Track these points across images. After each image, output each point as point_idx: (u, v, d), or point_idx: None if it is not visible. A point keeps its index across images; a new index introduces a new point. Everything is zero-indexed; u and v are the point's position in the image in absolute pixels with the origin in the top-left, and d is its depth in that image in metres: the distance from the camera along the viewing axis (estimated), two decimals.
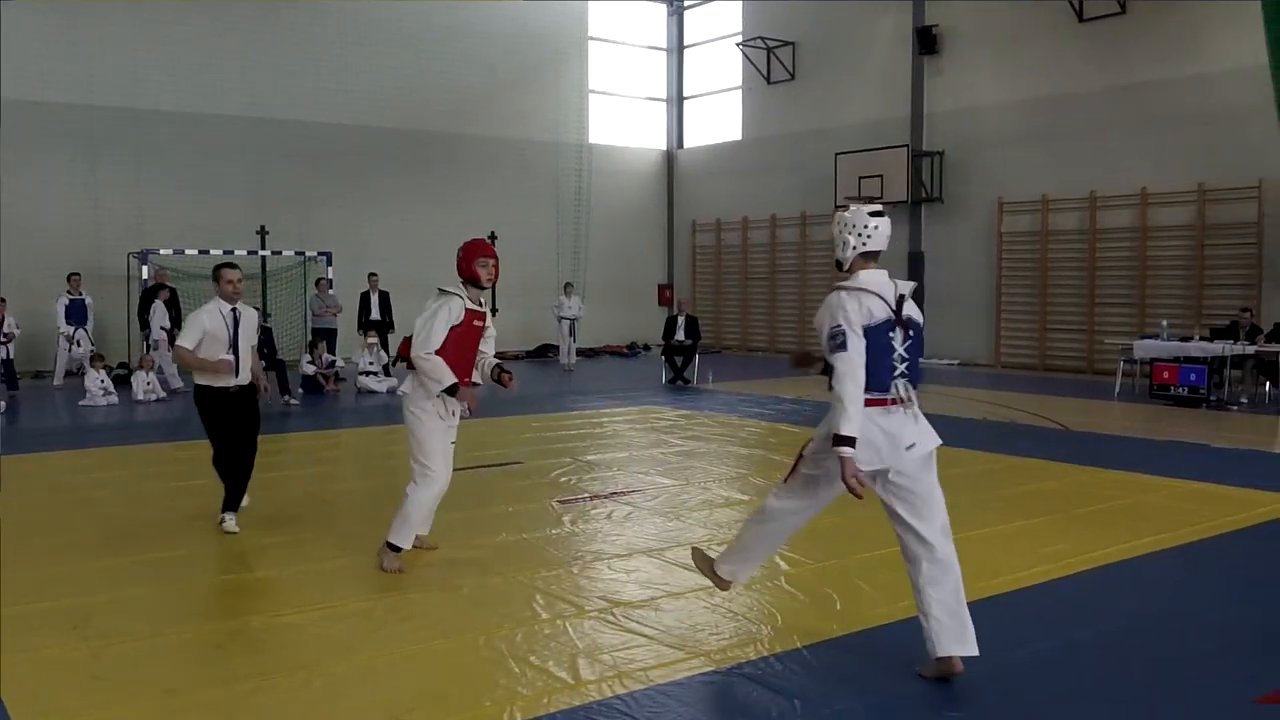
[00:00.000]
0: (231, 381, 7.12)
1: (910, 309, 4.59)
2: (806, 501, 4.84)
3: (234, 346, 7.09)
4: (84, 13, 19.01)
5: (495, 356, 6.54)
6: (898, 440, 4.49)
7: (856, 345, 4.38)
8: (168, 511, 7.79)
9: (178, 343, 7.14)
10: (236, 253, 19.58)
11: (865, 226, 4.58)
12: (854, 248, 4.59)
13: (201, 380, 7.13)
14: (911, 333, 4.55)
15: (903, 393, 4.52)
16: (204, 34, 20.37)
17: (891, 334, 4.49)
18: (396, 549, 6.21)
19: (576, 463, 9.98)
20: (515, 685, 4.49)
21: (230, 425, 7.19)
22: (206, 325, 7.00)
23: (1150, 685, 4.53)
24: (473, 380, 6.41)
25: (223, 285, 7.16)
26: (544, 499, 8.29)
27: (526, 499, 8.28)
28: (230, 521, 7.18)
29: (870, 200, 21.38)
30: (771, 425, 12.62)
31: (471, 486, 8.81)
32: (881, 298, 4.48)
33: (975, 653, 4.55)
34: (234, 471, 7.26)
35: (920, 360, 4.67)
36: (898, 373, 4.51)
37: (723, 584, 5.17)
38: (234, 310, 7.16)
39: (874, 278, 4.55)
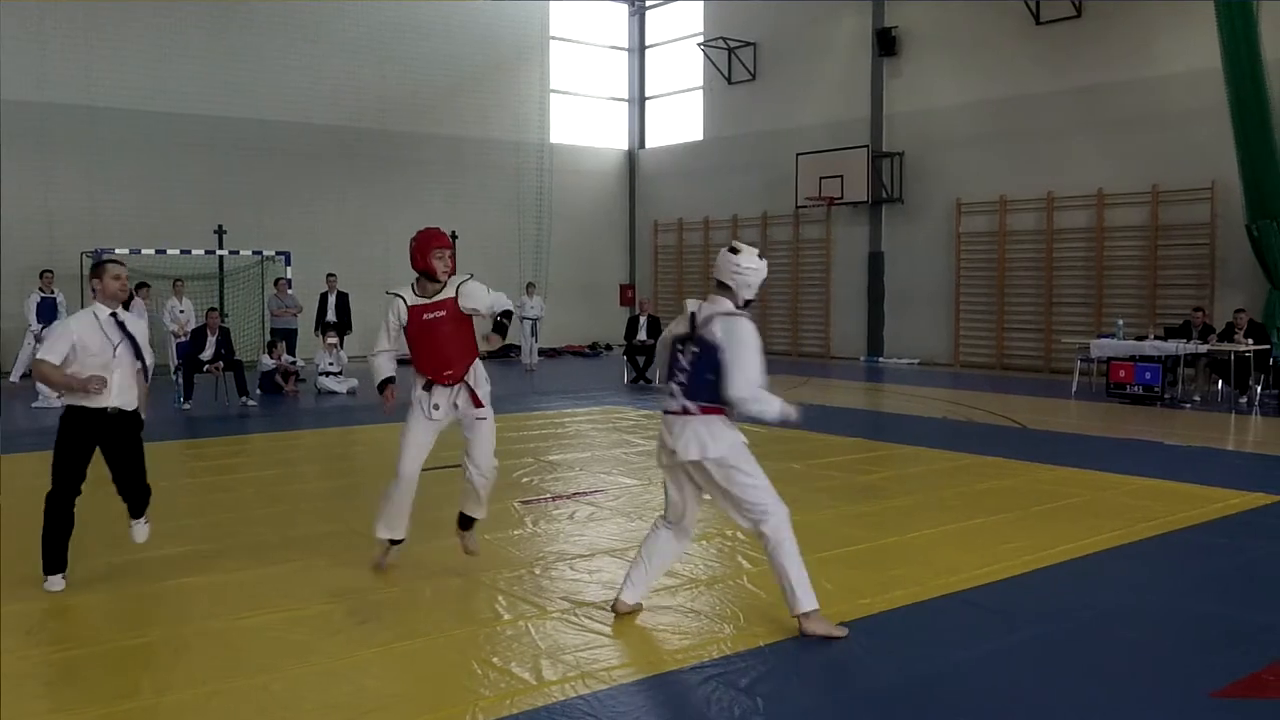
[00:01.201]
0: (108, 402, 5.78)
1: (708, 331, 5.11)
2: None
3: (134, 354, 5.92)
4: (38, 9, 18.72)
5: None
6: (664, 444, 5.21)
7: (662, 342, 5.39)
8: (122, 515, 7.66)
9: (39, 356, 5.82)
10: (194, 252, 19.43)
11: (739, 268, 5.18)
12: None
13: (72, 400, 5.82)
14: (696, 349, 5.11)
15: (669, 399, 5.20)
16: (161, 31, 20.14)
17: (679, 347, 5.21)
18: (381, 540, 6.19)
19: (539, 463, 9.96)
20: (477, 687, 4.46)
21: (84, 458, 5.88)
22: (75, 335, 5.73)
23: (1108, 680, 4.58)
24: (464, 369, 6.06)
25: (107, 283, 5.89)
26: (506, 500, 8.25)
27: (489, 500, 8.22)
28: (56, 581, 5.82)
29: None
30: None
31: (433, 487, 8.75)
32: (691, 317, 5.22)
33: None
34: (128, 495, 6.17)
35: (709, 379, 5.09)
36: (675, 380, 5.19)
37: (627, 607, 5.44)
38: (114, 315, 5.89)
39: (700, 303, 5.26)
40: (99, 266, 6.02)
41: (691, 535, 5.58)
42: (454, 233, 22.96)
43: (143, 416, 6.09)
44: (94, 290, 5.99)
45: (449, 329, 6.02)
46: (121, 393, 5.85)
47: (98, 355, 5.75)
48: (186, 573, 6.24)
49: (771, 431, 12.13)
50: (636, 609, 5.44)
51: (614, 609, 5.42)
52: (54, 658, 4.80)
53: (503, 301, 6.20)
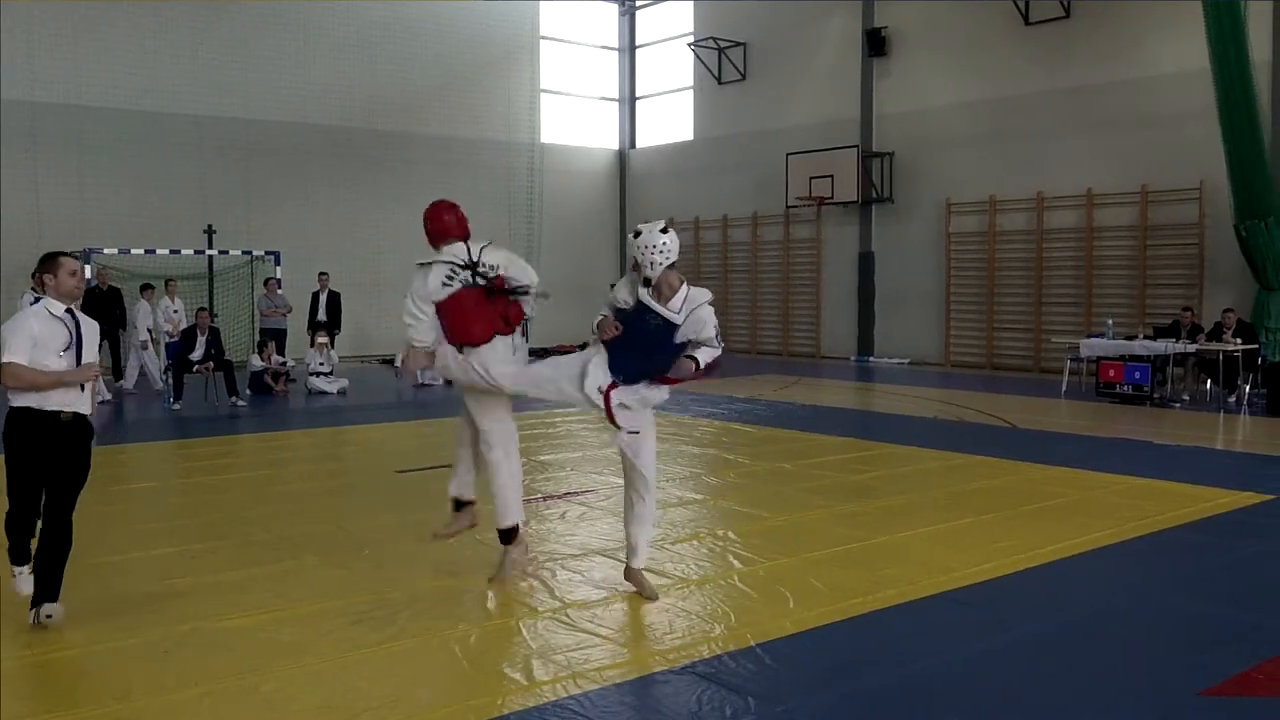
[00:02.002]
0: (66, 403, 5.25)
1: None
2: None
3: (78, 359, 5.30)
4: (26, 8, 18.63)
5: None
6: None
7: None
8: (107, 516, 7.65)
9: (6, 359, 5.12)
10: (183, 252, 19.36)
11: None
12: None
13: (22, 401, 5.19)
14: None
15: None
16: (150, 31, 20.05)
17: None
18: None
19: (530, 463, 9.93)
20: (469, 687, 4.46)
21: (49, 470, 5.24)
22: (35, 331, 5.18)
23: (1098, 678, 4.60)
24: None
25: (62, 279, 5.34)
26: None
27: (479, 500, 8.21)
28: (52, 610, 5.17)
29: (818, 201, 21.56)
30: (724, 424, 12.67)
31: (423, 487, 8.76)
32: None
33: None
34: (44, 543, 5.22)
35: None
36: None
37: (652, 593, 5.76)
38: (70, 312, 5.36)
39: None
40: (52, 260, 5.41)
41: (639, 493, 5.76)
42: None
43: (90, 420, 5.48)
44: (44, 285, 5.39)
45: None
46: (77, 396, 5.33)
47: (57, 357, 5.23)
48: (177, 573, 6.22)
49: (763, 431, 12.17)
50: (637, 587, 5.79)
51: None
52: (45, 658, 4.79)
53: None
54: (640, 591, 5.73)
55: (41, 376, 5.17)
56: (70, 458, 5.28)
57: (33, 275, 6.05)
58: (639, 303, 5.45)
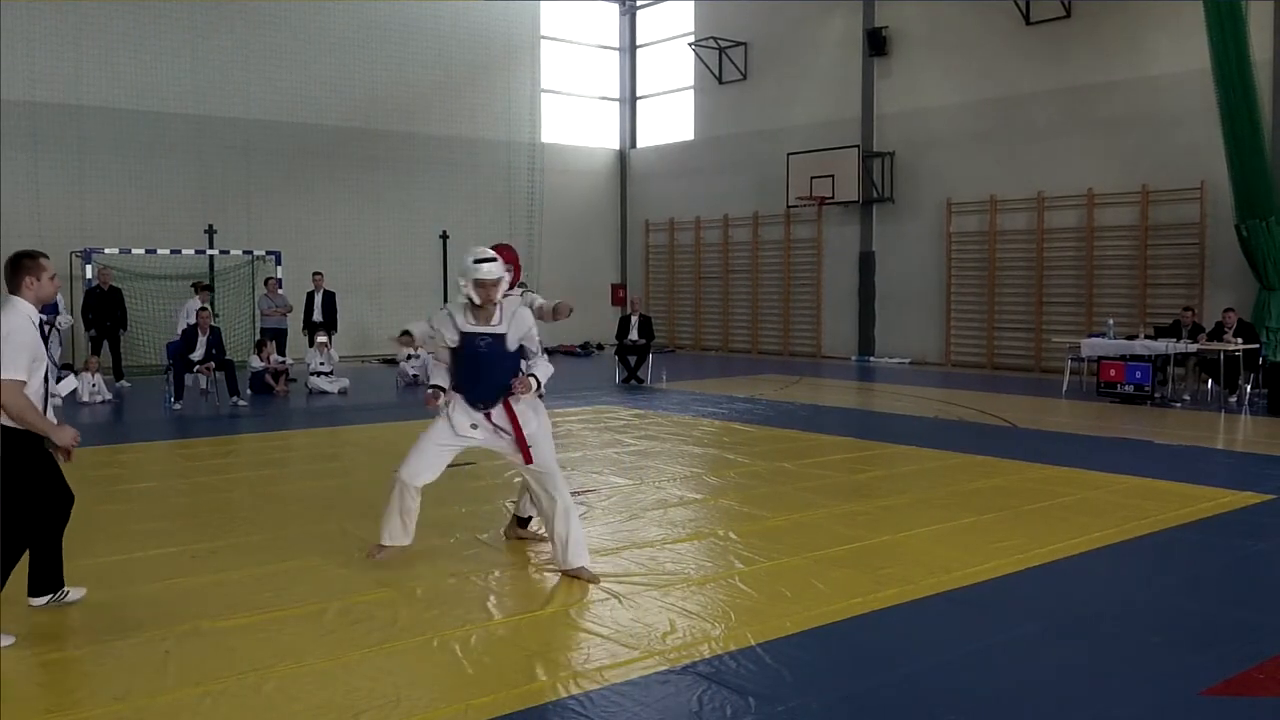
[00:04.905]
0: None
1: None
2: None
3: (44, 374, 5.00)
4: (26, 8, 18.63)
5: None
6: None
7: None
8: (107, 516, 7.65)
9: (10, 377, 4.74)
10: (184, 252, 19.39)
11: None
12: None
13: (10, 421, 4.86)
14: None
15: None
16: (150, 30, 20.06)
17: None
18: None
19: None
20: (469, 687, 4.46)
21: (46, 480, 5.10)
22: (34, 343, 4.81)
23: (1098, 678, 4.59)
24: None
25: (44, 282, 5.00)
26: (498, 499, 8.25)
27: (480, 500, 8.23)
28: (74, 593, 5.34)
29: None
30: (725, 424, 12.67)
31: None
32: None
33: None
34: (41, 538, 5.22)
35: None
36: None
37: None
38: (39, 320, 5.02)
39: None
40: (33, 261, 5.02)
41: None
42: (445, 232, 23.01)
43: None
44: (21, 288, 4.99)
45: None
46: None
47: (40, 370, 4.87)
48: (177, 573, 6.22)
49: (763, 430, 12.17)
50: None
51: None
52: (45, 658, 4.78)
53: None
54: (587, 579, 5.97)
55: (36, 416, 4.86)
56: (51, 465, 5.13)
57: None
58: (463, 333, 5.87)
